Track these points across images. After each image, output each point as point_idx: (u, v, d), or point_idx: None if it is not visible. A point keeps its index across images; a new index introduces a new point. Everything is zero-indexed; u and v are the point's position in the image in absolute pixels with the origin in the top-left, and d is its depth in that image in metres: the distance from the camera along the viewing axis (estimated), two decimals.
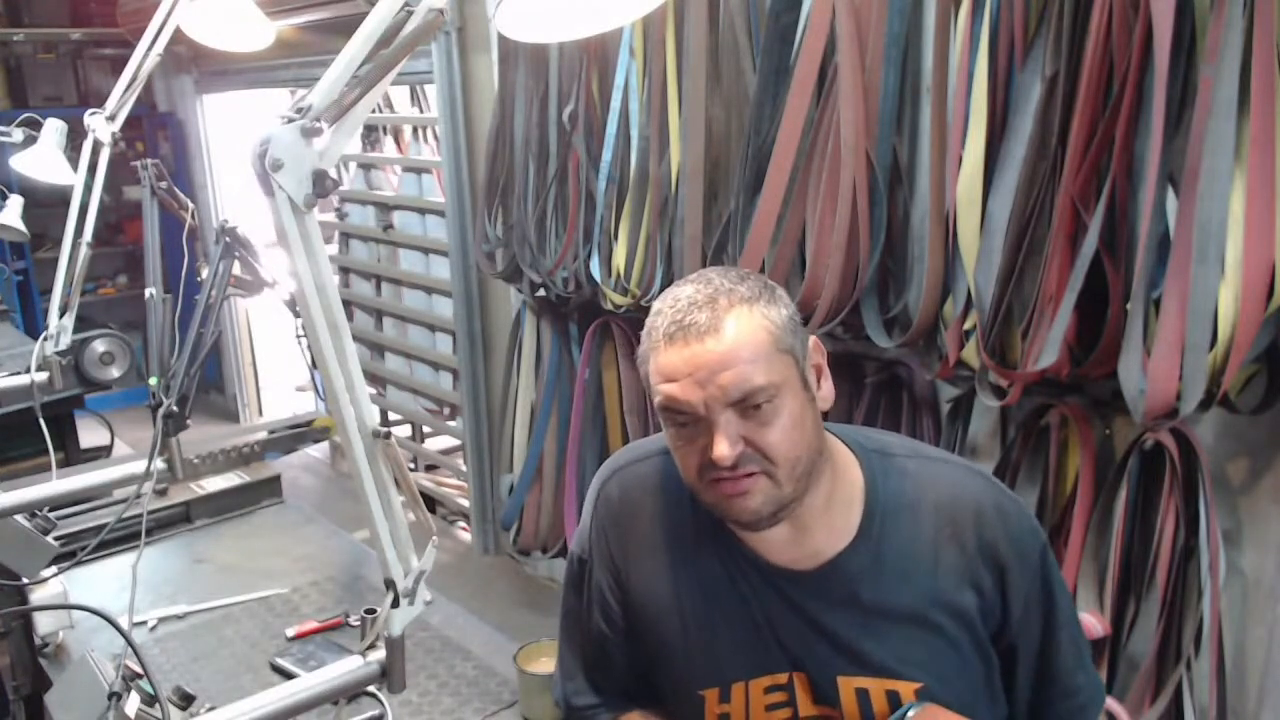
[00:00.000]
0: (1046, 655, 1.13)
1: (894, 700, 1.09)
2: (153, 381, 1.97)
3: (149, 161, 2.09)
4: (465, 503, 2.90)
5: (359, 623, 1.46)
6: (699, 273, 1.08)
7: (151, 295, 2.04)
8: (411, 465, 3.44)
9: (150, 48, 2.04)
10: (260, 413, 5.14)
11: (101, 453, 3.76)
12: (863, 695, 1.10)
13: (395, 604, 1.20)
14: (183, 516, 2.58)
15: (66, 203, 2.09)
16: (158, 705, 1.27)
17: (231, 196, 4.91)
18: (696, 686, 1.16)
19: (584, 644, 1.27)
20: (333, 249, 3.40)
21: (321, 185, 1.04)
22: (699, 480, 1.06)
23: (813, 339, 1.09)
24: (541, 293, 2.20)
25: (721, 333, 1.00)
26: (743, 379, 0.99)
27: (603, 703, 1.27)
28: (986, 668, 1.13)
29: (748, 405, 1.00)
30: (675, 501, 1.17)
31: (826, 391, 1.09)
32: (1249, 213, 1.16)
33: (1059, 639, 1.13)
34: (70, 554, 2.01)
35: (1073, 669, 1.15)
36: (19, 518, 1.86)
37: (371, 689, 1.25)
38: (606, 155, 1.93)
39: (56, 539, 1.95)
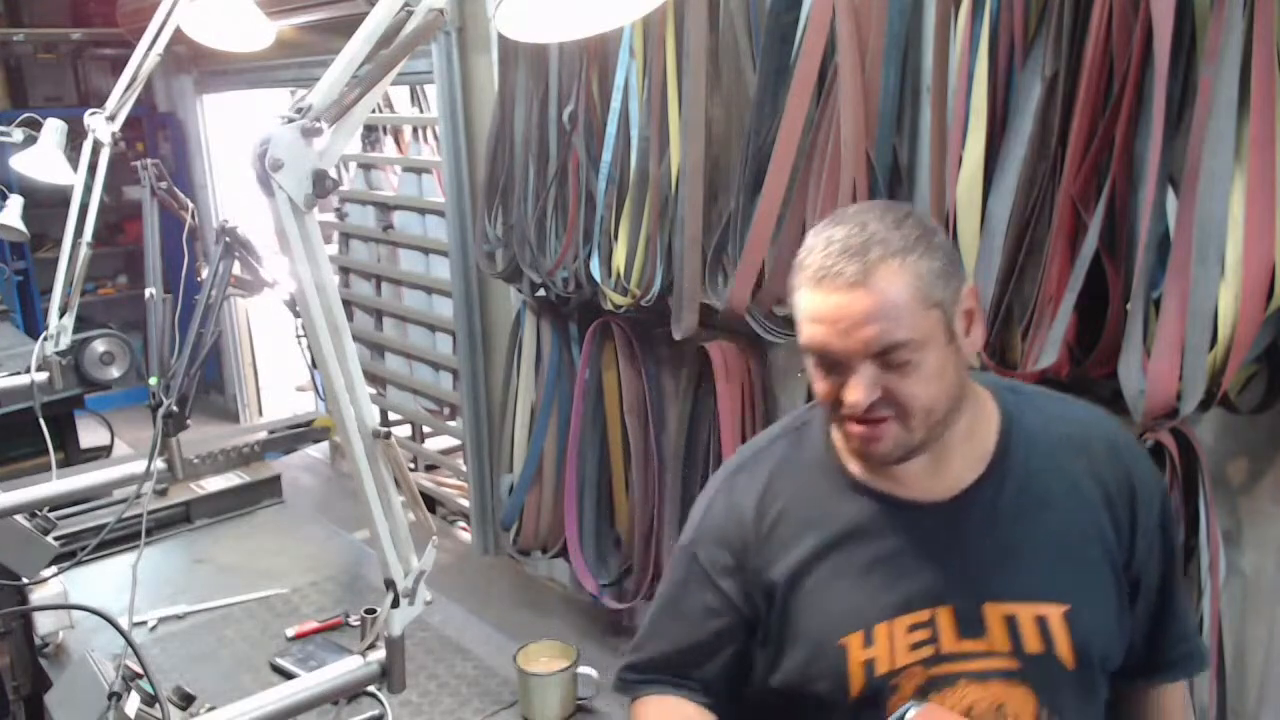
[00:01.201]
0: (1165, 593, 1.16)
1: (1043, 627, 1.08)
2: (153, 381, 1.97)
3: (149, 161, 2.09)
4: (465, 503, 2.90)
5: (359, 623, 1.46)
6: (857, 209, 1.06)
7: (151, 295, 2.04)
8: (411, 465, 3.44)
9: (150, 48, 2.04)
10: (260, 413, 5.13)
11: (101, 453, 3.75)
12: (1011, 622, 1.09)
13: (395, 604, 1.20)
14: (183, 516, 2.58)
15: (66, 203, 2.09)
16: (158, 705, 1.28)
17: (231, 196, 4.91)
18: (836, 637, 1.12)
19: (668, 634, 1.24)
20: (333, 249, 3.40)
21: (321, 185, 1.04)
22: (832, 411, 1.07)
23: (968, 285, 1.07)
24: (541, 293, 2.20)
25: (868, 286, 0.98)
26: (885, 334, 0.99)
27: (650, 680, 1.24)
28: (1119, 595, 1.13)
29: (889, 358, 1.00)
30: (803, 470, 1.17)
31: (976, 337, 1.08)
32: (1249, 213, 1.16)
33: (1176, 579, 1.17)
34: (70, 554, 2.01)
35: (1186, 615, 1.19)
36: (19, 518, 1.86)
37: (371, 689, 1.26)
38: (606, 155, 1.93)
39: (56, 539, 1.95)
